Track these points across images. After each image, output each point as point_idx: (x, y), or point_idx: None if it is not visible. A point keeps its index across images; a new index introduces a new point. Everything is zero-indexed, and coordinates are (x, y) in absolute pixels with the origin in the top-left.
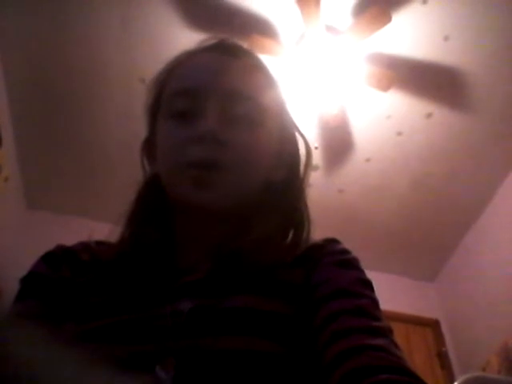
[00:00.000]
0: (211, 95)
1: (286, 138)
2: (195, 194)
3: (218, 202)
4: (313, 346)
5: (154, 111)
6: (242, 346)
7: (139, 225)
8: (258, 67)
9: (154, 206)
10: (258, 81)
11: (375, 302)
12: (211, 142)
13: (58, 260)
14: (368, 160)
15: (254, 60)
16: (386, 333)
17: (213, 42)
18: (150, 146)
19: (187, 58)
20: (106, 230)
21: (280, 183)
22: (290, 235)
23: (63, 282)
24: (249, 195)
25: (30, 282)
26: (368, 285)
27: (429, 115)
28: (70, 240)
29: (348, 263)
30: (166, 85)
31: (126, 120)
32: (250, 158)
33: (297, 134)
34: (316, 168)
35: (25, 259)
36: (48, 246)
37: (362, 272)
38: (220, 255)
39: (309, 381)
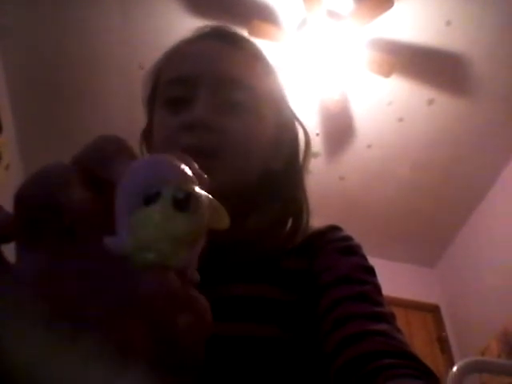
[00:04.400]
0: (204, 82)
1: (284, 127)
2: None
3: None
4: (316, 332)
5: (151, 101)
6: (241, 333)
7: None
8: (254, 54)
9: None
10: (253, 67)
11: (377, 288)
12: (201, 129)
13: None
14: (369, 146)
15: (249, 46)
16: (389, 318)
17: (208, 29)
18: (148, 136)
19: (182, 47)
20: None
21: (279, 172)
22: (289, 224)
23: None
24: (245, 183)
25: None
26: (370, 271)
27: (430, 101)
28: None
29: (350, 250)
30: (162, 74)
31: (127, 107)
32: (243, 146)
33: (296, 123)
34: (317, 155)
35: None
36: None
37: (364, 258)
38: (215, 244)
39: (311, 367)
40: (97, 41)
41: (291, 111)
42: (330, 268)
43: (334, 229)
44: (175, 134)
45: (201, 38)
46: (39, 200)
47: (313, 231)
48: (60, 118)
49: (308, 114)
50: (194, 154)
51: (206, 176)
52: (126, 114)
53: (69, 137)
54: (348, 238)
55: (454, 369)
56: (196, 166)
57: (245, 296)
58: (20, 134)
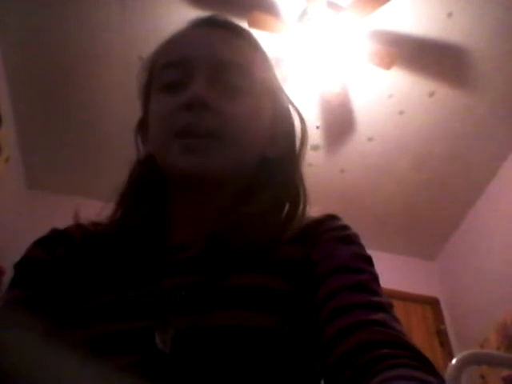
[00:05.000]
0: (200, 65)
1: (281, 114)
2: (183, 159)
3: (205, 167)
4: (314, 322)
5: (147, 90)
6: (241, 322)
7: (129, 204)
8: (253, 43)
9: (146, 185)
10: (252, 55)
11: (375, 277)
12: (199, 108)
13: (52, 243)
14: (370, 139)
15: (248, 36)
16: (387, 308)
17: (206, 18)
18: (143, 126)
19: (179, 34)
20: (107, 209)
21: (276, 159)
22: (286, 211)
23: (58, 264)
24: (243, 170)
25: (23, 268)
26: (368, 260)
27: (431, 94)
28: (71, 220)
29: (348, 239)
30: (158, 61)
31: (126, 98)
32: (241, 131)
33: (293, 113)
34: (317, 148)
35: (26, 239)
36: (49, 226)
37: (362, 247)
38: (214, 232)
39: (310, 356)
40: (95, 32)
41: (288, 100)
42: (328, 257)
43: (331, 218)
44: (173, 115)
45: (199, 25)
46: None
47: (310, 220)
48: (59, 110)
49: (308, 107)
50: (189, 134)
51: None
52: (126, 105)
53: (69, 130)
54: (345, 227)
55: (453, 361)
56: None
57: (245, 286)
58: (20, 127)
